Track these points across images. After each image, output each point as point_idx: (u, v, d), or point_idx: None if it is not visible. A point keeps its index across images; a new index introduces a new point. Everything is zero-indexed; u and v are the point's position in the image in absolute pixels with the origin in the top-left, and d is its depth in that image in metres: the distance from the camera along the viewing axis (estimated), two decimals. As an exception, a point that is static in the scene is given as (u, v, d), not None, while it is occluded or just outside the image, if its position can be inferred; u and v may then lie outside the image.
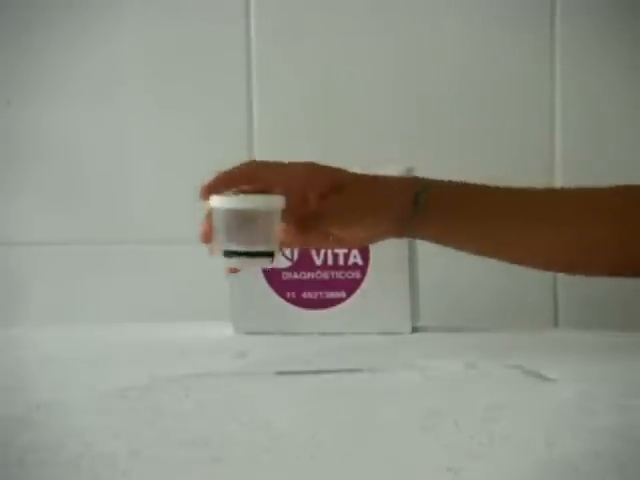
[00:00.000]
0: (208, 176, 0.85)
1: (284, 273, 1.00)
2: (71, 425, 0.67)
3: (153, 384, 0.78)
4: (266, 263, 0.84)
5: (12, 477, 0.56)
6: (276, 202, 0.84)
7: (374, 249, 0.99)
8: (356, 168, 1.03)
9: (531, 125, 1.20)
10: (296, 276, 1.00)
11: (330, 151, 1.20)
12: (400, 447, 0.60)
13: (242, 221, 0.83)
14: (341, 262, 1.00)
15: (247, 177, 0.87)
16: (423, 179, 0.89)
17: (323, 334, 0.98)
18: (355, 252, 0.99)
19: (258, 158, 1.21)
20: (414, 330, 0.99)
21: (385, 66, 1.19)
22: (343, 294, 1.00)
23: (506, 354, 0.87)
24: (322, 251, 1.00)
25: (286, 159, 1.21)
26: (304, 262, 1.00)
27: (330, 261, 1.00)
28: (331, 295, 1.00)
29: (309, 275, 1.00)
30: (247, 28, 1.20)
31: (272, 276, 1.00)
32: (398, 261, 0.98)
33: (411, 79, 1.20)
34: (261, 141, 1.20)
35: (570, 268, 0.93)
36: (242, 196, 0.84)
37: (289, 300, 1.00)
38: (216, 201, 0.83)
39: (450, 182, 0.90)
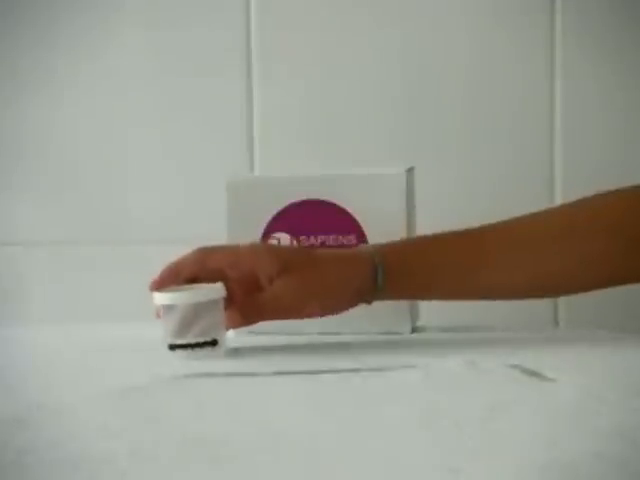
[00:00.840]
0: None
1: None
2: (70, 425, 0.67)
3: (153, 384, 0.78)
4: (212, 352, 0.87)
5: (10, 477, 0.56)
6: (215, 292, 0.87)
7: None
8: (356, 168, 1.03)
9: (531, 125, 1.20)
10: None
11: (330, 151, 1.20)
12: (400, 447, 0.60)
13: (183, 315, 0.86)
14: None
15: (195, 266, 0.89)
16: (379, 250, 0.90)
17: (323, 334, 0.98)
18: None
19: (258, 159, 1.21)
20: (414, 330, 0.99)
21: (384, 66, 1.19)
22: None
23: (506, 354, 0.87)
24: None
25: (286, 159, 1.21)
26: None
27: None
28: None
29: None
30: (247, 28, 1.20)
31: None
32: None
33: (411, 79, 1.20)
34: (261, 141, 1.20)
35: (555, 290, 0.96)
36: (181, 292, 0.87)
37: None
38: (157, 298, 0.87)
39: (405, 244, 0.93)
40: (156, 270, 1.19)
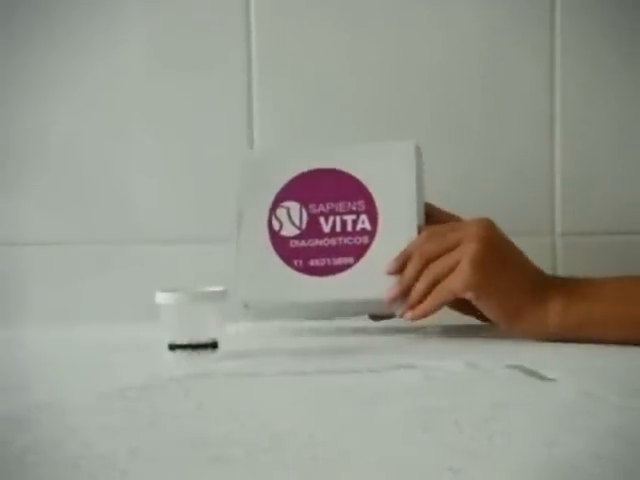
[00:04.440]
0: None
1: (292, 241, 1.00)
2: (71, 425, 0.67)
3: (153, 384, 0.78)
4: (211, 354, 0.87)
5: (11, 477, 0.56)
6: (216, 294, 0.88)
7: (383, 214, 0.99)
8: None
9: (531, 125, 1.20)
10: (304, 244, 1.00)
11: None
12: (400, 447, 0.60)
13: (183, 315, 0.87)
14: (349, 228, 0.99)
15: None
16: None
17: (329, 302, 0.98)
18: (363, 217, 0.99)
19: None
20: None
21: (385, 56, 1.19)
22: (351, 260, 0.99)
23: (506, 354, 0.87)
24: (330, 218, 1.00)
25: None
26: (312, 230, 1.00)
27: (338, 227, 0.99)
28: (338, 261, 0.99)
29: (317, 242, 1.00)
30: (247, 25, 1.20)
31: (280, 244, 1.00)
32: (406, 225, 0.98)
33: (410, 75, 1.20)
34: (261, 141, 1.20)
35: None
36: (181, 292, 0.88)
37: (296, 268, 1.00)
38: (160, 298, 0.88)
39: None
40: (156, 270, 1.20)
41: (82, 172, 1.22)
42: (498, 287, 0.92)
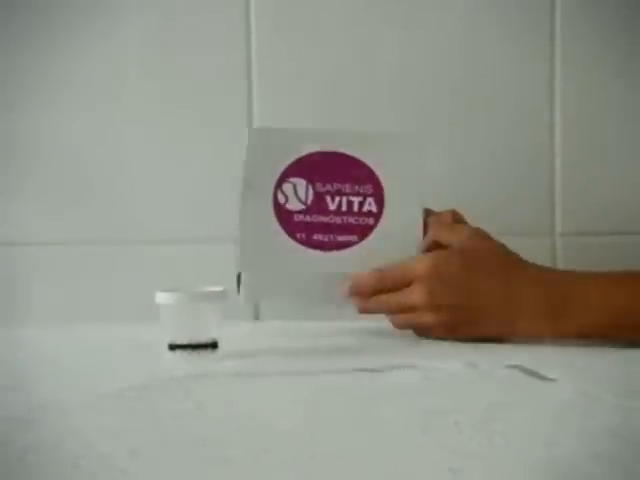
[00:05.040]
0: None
1: (296, 215, 1.00)
2: (71, 425, 0.67)
3: (153, 384, 0.78)
4: (211, 354, 0.88)
5: (12, 477, 0.56)
6: (216, 294, 0.88)
7: (389, 200, 0.99)
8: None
9: (531, 125, 1.20)
10: (308, 219, 1.00)
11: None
12: (400, 447, 0.60)
13: (183, 315, 0.87)
14: (355, 209, 1.00)
15: None
16: None
17: (327, 274, 0.98)
18: (370, 200, 1.00)
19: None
20: None
21: (385, 62, 1.19)
22: (355, 238, 1.00)
23: (506, 354, 0.87)
24: (337, 198, 1.00)
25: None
26: (317, 207, 1.00)
27: (344, 207, 1.00)
28: (342, 238, 1.00)
29: (321, 219, 1.00)
30: (247, 25, 1.20)
31: (284, 217, 1.00)
32: (412, 210, 0.99)
33: (411, 77, 1.20)
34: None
35: None
36: (181, 292, 0.88)
37: (299, 240, 1.00)
38: (160, 298, 0.88)
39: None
40: (156, 270, 1.20)
41: (82, 172, 1.22)
42: (463, 322, 0.94)
